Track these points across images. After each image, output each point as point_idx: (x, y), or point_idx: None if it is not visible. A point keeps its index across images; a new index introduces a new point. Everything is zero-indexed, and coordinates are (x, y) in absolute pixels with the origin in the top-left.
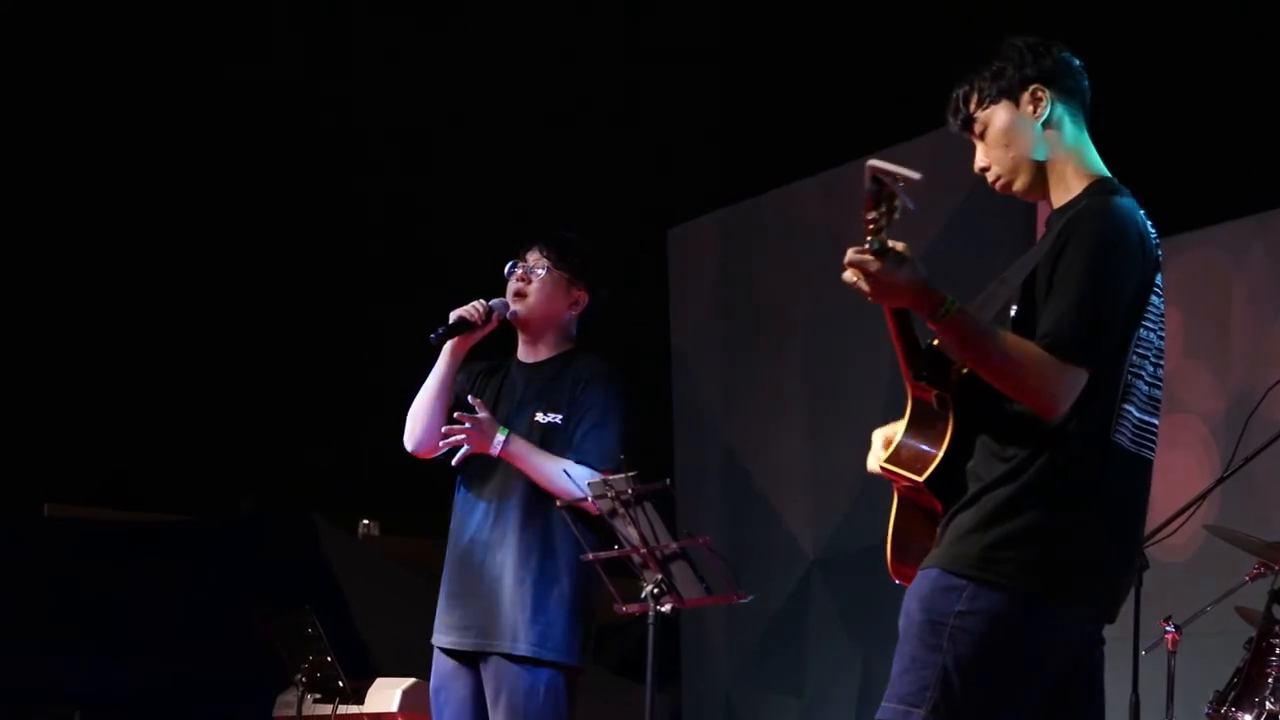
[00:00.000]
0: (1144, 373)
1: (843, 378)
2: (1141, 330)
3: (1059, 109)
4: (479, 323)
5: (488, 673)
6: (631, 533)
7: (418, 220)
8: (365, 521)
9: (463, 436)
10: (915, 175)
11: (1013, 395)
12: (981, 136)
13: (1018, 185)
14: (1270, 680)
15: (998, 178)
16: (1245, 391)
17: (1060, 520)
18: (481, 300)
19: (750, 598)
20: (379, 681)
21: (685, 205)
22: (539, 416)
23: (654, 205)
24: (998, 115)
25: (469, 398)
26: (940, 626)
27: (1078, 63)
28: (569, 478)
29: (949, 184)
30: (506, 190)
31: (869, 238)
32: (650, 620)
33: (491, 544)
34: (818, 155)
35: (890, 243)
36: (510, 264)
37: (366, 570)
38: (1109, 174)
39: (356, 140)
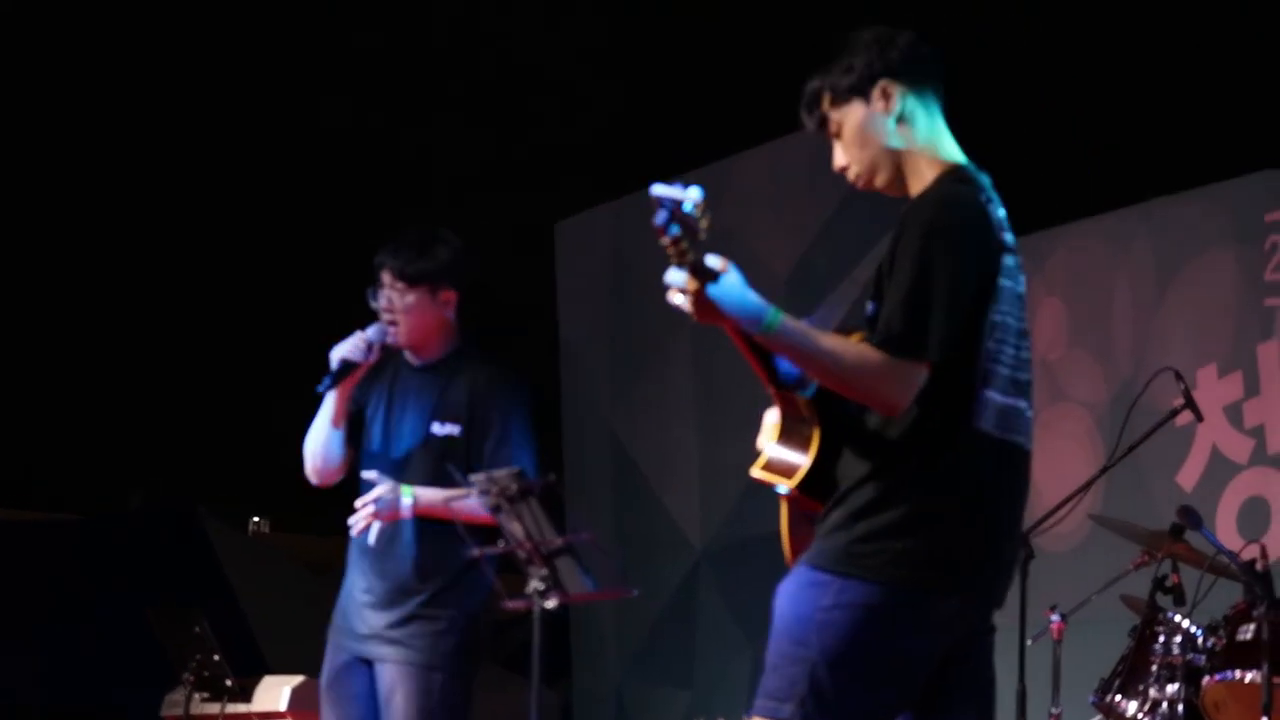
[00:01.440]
0: (1003, 357)
1: (731, 370)
2: (995, 316)
3: (910, 101)
4: (361, 360)
5: (382, 675)
6: (516, 528)
7: (305, 214)
8: (256, 519)
9: (370, 522)
10: (694, 195)
11: (850, 398)
12: (838, 135)
13: (878, 182)
14: (1154, 668)
15: (857, 176)
16: (1129, 381)
17: (925, 511)
18: (360, 335)
19: (636, 592)
20: (267, 680)
21: (573, 198)
22: (435, 428)
23: (542, 198)
24: (850, 114)
25: (364, 473)
26: (807, 622)
27: (927, 49)
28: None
29: (834, 180)
30: (393, 181)
31: (674, 260)
32: (535, 617)
33: (389, 552)
34: (706, 148)
35: (709, 260)
36: (370, 291)
37: (256, 567)
38: (964, 161)
39: (245, 138)
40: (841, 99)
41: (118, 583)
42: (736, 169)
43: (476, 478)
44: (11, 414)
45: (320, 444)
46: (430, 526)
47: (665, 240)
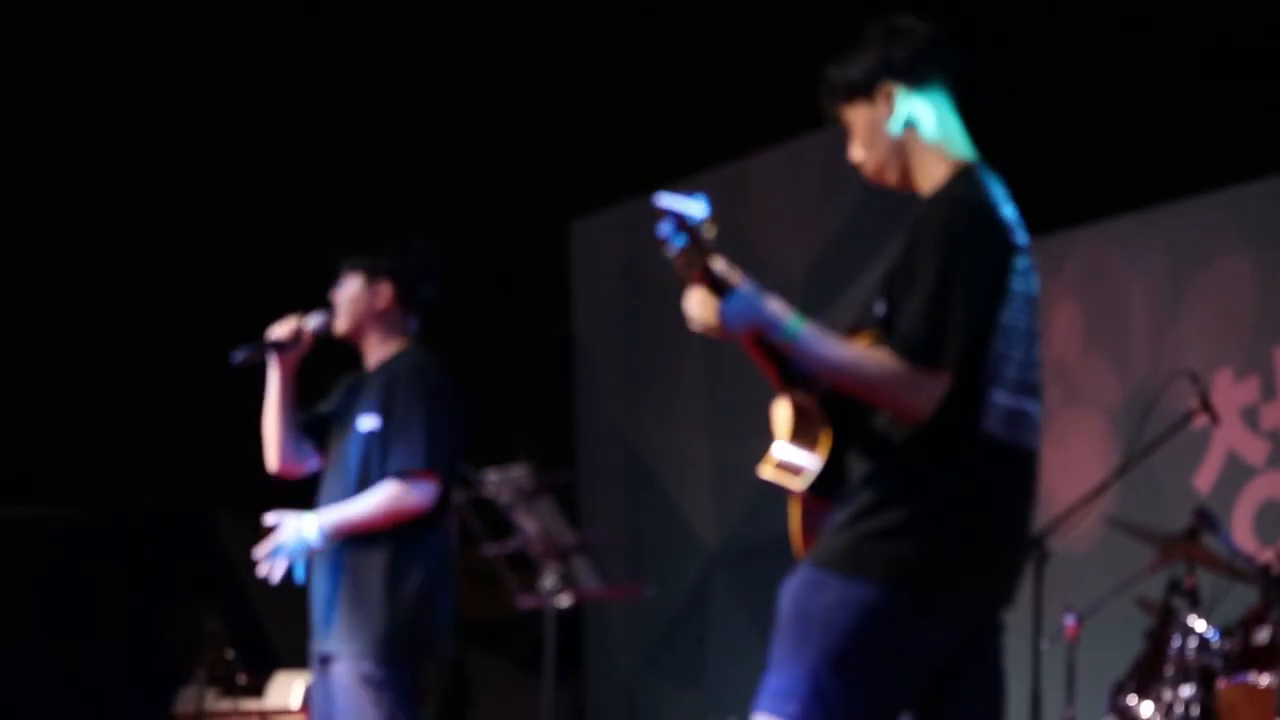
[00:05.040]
0: (1011, 359)
1: (745, 370)
2: (1005, 318)
3: (914, 101)
4: (287, 342)
5: (329, 672)
6: (530, 526)
7: (316, 213)
8: (270, 519)
9: (283, 560)
10: (700, 206)
11: (872, 405)
12: (851, 131)
13: (889, 179)
14: (1169, 671)
15: (870, 173)
16: (1144, 383)
17: (929, 512)
18: (294, 319)
19: (651, 590)
20: (280, 676)
21: (589, 198)
22: (360, 425)
23: (558, 198)
24: (858, 114)
25: (267, 516)
26: (811, 621)
27: (938, 42)
28: (386, 500)
29: (851, 180)
30: (406, 181)
31: (681, 272)
32: (549, 615)
33: (328, 548)
34: (719, 148)
35: (722, 273)
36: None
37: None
38: (975, 159)
39: (246, 127)
40: (849, 98)
41: (131, 583)
42: (753, 169)
43: (490, 477)
44: (26, 412)
45: (267, 429)
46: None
47: (672, 251)
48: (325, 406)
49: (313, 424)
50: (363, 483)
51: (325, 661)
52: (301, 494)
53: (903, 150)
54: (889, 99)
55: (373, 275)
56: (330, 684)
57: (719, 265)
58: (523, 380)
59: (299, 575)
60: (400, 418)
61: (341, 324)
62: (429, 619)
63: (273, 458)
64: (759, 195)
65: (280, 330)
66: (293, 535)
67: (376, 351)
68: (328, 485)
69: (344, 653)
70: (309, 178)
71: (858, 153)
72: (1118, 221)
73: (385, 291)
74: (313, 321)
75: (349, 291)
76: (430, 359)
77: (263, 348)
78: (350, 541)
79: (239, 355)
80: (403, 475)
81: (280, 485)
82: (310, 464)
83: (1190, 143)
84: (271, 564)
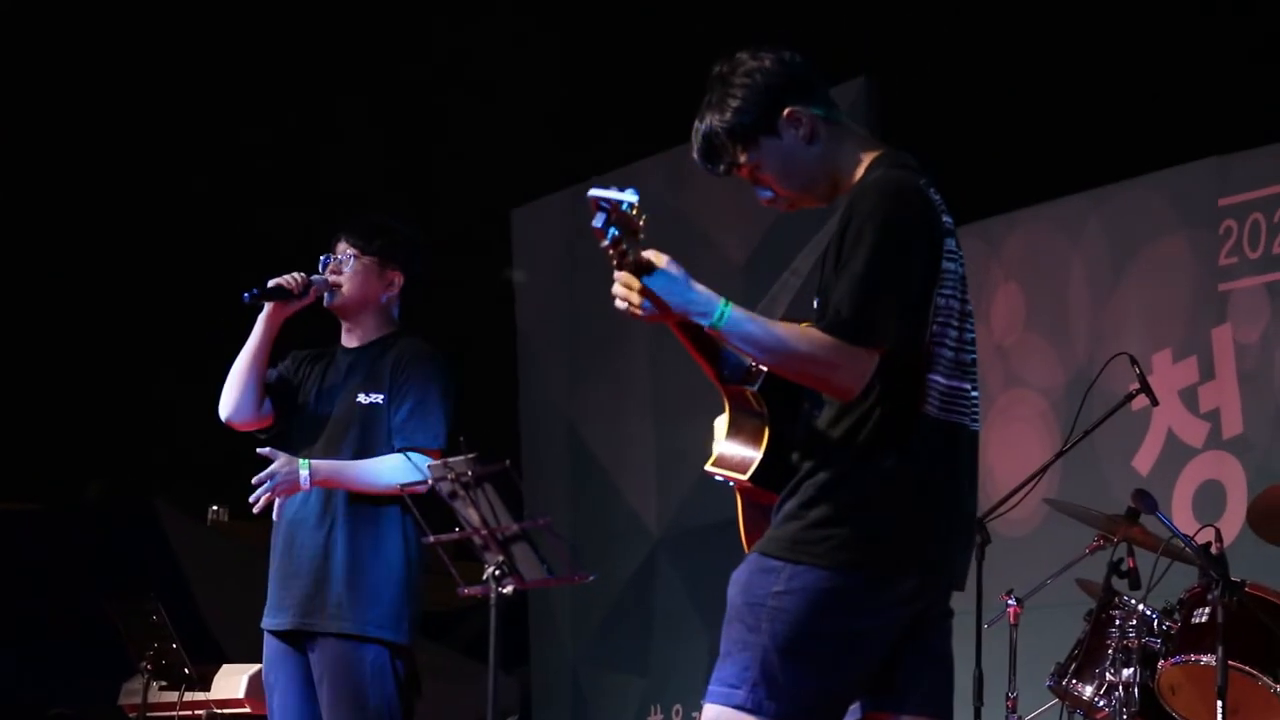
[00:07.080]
0: (947, 339)
1: (687, 356)
2: (939, 298)
3: (815, 113)
4: (295, 292)
5: (314, 653)
6: (472, 515)
7: (251, 202)
8: (215, 507)
9: (268, 494)
10: (632, 198)
11: (804, 384)
12: (756, 175)
13: (814, 202)
14: (1110, 652)
15: (789, 204)
16: (1084, 365)
17: (873, 496)
18: (302, 273)
19: (592, 578)
20: (225, 668)
21: (529, 185)
22: (360, 397)
23: (498, 185)
24: (767, 152)
25: (260, 449)
26: (758, 608)
27: (798, 57)
28: (395, 470)
29: None
30: (347, 170)
31: (615, 262)
32: (492, 602)
33: (317, 523)
34: (659, 134)
35: (650, 257)
36: (323, 257)
37: (214, 556)
38: (883, 148)
39: (183, 124)
40: (751, 141)
41: (75, 573)
42: (690, 155)
43: (432, 464)
44: None
45: (237, 374)
46: (362, 498)
47: (605, 243)
48: (288, 374)
49: (274, 384)
50: (360, 455)
51: (307, 635)
52: (246, 479)
53: (824, 160)
54: (797, 120)
55: (386, 262)
56: (322, 663)
57: (650, 253)
58: (464, 368)
59: (274, 514)
60: (416, 398)
61: (346, 299)
62: (421, 602)
63: (229, 405)
64: (700, 181)
65: (288, 279)
66: (285, 466)
67: (365, 330)
68: (308, 454)
69: (346, 631)
70: (251, 166)
71: (770, 191)
72: (1056, 203)
73: (395, 280)
74: (318, 280)
75: (359, 272)
76: (428, 343)
77: (270, 292)
78: (362, 517)
79: (251, 294)
80: (417, 453)
81: (228, 471)
82: (262, 422)
83: (1128, 124)
84: (261, 494)
